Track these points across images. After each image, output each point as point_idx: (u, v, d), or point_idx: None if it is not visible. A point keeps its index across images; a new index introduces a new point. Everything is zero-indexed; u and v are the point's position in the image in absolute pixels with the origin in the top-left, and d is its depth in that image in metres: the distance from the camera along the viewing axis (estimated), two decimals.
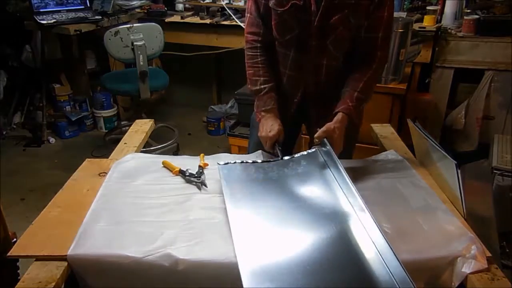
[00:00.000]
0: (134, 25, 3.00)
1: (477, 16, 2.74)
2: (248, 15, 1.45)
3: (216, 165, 1.35)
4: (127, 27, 2.89)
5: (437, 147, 1.28)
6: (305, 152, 1.40)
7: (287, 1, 1.32)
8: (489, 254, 1.04)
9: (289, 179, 1.29)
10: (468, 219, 1.17)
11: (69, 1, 3.40)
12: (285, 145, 1.46)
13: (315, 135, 1.35)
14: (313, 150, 1.40)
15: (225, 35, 3.31)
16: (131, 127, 1.76)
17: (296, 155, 1.39)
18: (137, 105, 3.39)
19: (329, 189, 1.23)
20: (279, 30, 1.40)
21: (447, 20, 2.86)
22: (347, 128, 1.38)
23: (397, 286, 0.91)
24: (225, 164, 1.35)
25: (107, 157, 1.51)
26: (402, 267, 0.91)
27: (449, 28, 2.82)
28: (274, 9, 1.36)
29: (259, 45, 1.45)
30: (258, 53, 1.45)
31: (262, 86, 1.45)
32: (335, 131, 1.33)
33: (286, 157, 1.38)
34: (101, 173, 1.38)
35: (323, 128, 1.34)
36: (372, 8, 1.32)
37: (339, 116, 1.37)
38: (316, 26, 1.33)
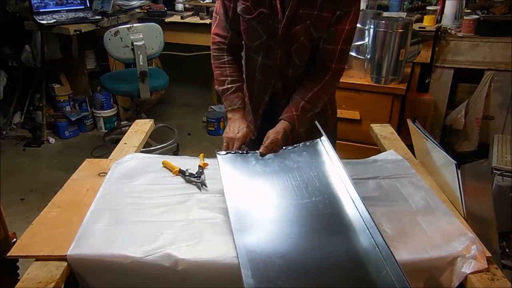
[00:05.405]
0: (134, 25, 3.00)
1: (477, 16, 2.74)
2: (217, 16, 1.44)
3: (216, 165, 1.34)
4: (127, 27, 2.89)
5: (437, 147, 1.28)
6: (308, 143, 1.38)
7: (255, 9, 1.31)
8: (489, 254, 1.04)
9: (290, 173, 1.27)
10: (468, 219, 1.17)
11: (69, 1, 3.41)
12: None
13: (260, 151, 1.34)
14: (315, 141, 1.38)
15: None
16: (131, 127, 1.75)
17: (297, 146, 1.38)
18: (137, 105, 3.39)
19: (331, 186, 1.22)
20: (247, 36, 1.40)
21: (447, 20, 2.87)
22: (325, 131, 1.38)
23: None
24: (225, 154, 1.34)
25: (107, 157, 1.51)
26: (403, 274, 0.91)
27: (449, 28, 2.82)
28: (241, 16, 1.35)
29: (225, 47, 1.45)
30: (225, 54, 1.45)
31: (229, 86, 1.44)
32: (279, 141, 1.35)
33: (290, 147, 1.37)
34: (101, 173, 1.38)
35: (267, 142, 1.34)
36: (333, 20, 1.31)
37: (282, 124, 1.38)
38: (281, 34, 1.33)
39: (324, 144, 1.35)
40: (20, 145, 3.56)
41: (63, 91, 3.72)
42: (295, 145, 1.38)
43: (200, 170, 1.36)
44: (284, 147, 1.37)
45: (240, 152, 1.35)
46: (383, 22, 2.35)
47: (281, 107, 1.45)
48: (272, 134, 1.35)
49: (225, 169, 1.27)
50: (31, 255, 1.03)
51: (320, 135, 1.37)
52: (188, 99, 4.26)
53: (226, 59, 1.45)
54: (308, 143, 1.38)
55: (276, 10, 1.30)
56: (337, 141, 1.73)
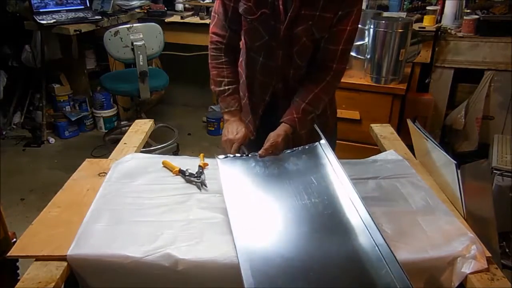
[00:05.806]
0: (134, 25, 3.00)
1: (477, 16, 2.74)
2: (216, 15, 1.43)
3: (216, 165, 1.34)
4: (127, 27, 2.89)
5: (437, 147, 1.28)
6: (307, 146, 1.39)
7: (257, 10, 1.31)
8: (489, 254, 1.04)
9: (289, 175, 1.28)
10: (468, 219, 1.17)
11: (69, 1, 3.41)
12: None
13: (260, 152, 1.33)
14: (314, 144, 1.39)
15: None
16: (130, 127, 1.75)
17: (296, 149, 1.38)
18: (137, 105, 3.39)
19: (330, 187, 1.22)
20: (249, 37, 1.40)
21: (447, 20, 2.87)
22: (323, 133, 1.38)
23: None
24: (224, 158, 1.34)
25: (107, 157, 1.51)
26: (403, 272, 0.91)
27: (449, 28, 2.82)
28: (244, 16, 1.35)
29: (223, 47, 1.44)
30: (223, 54, 1.44)
31: (226, 87, 1.43)
32: (280, 144, 1.34)
33: (288, 151, 1.37)
34: (101, 173, 1.38)
35: (267, 145, 1.33)
36: (335, 21, 1.31)
37: (283, 127, 1.37)
38: (283, 35, 1.33)
39: (324, 148, 1.35)
40: (20, 145, 3.56)
41: (63, 91, 3.72)
42: (294, 149, 1.38)
43: (200, 170, 1.36)
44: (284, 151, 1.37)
45: (240, 155, 1.35)
46: (383, 22, 2.35)
47: (281, 107, 1.45)
48: (272, 137, 1.36)
49: (225, 171, 1.28)
50: (31, 255, 1.03)
51: (320, 138, 1.37)
52: (188, 99, 4.26)
53: (224, 60, 1.44)
54: (307, 147, 1.39)
55: (278, 11, 1.30)
56: (337, 141, 1.73)
